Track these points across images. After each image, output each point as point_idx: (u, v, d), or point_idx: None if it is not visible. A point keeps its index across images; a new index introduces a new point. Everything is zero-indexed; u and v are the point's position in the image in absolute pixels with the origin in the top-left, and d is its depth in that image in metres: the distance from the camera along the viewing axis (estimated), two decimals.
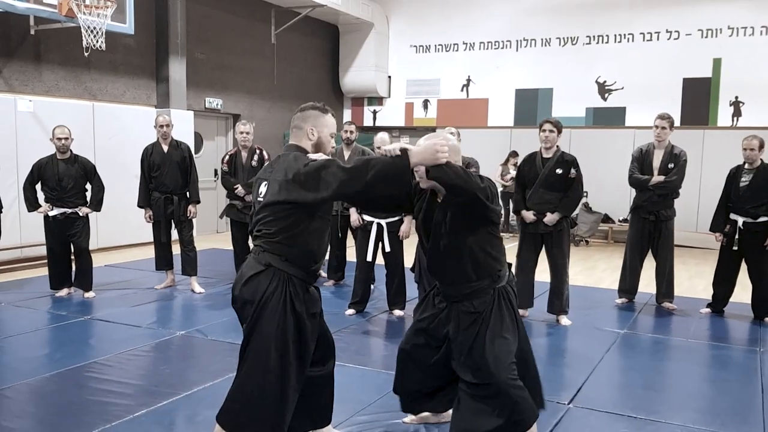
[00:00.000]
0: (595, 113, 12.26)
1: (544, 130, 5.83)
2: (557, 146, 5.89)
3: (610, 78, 12.10)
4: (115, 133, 9.46)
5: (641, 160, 6.52)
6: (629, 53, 11.89)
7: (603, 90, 12.18)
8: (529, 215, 5.88)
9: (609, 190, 11.18)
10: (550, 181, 5.81)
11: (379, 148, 6.12)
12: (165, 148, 6.85)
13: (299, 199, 2.73)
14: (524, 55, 12.77)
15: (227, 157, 7.11)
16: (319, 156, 2.87)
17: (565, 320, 5.92)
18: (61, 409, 3.81)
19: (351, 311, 6.07)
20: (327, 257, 7.56)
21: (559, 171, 5.80)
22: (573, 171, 5.79)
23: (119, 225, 9.27)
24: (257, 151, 7.02)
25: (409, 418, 3.64)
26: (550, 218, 5.78)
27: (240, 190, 6.81)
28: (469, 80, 13.30)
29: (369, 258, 6.02)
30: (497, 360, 3.01)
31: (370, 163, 2.66)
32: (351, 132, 6.88)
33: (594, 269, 9.02)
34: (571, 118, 12.27)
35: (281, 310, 2.77)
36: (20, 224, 7.99)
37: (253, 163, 6.94)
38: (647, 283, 6.83)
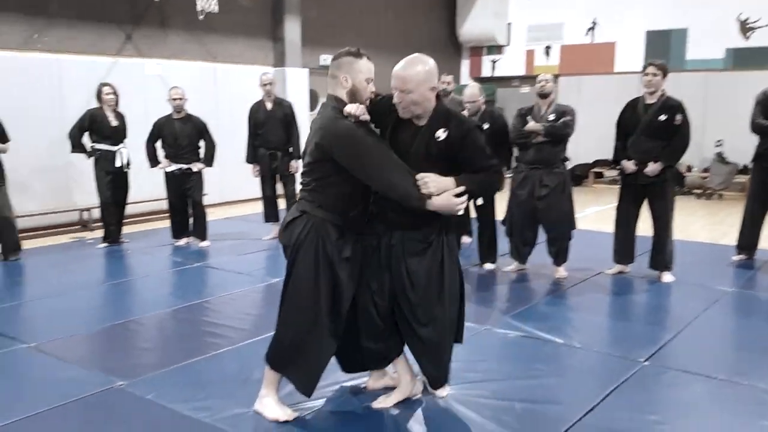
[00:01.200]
0: (735, 54, 11.16)
1: (647, 74, 5.41)
2: (663, 91, 5.47)
3: (753, 14, 10.91)
4: (236, 92, 9.94)
5: (765, 104, 5.91)
6: None
7: (745, 28, 11.03)
8: (629, 165, 5.53)
9: (748, 139, 10.15)
10: (653, 129, 5.42)
11: (467, 104, 5.93)
12: (269, 105, 7.14)
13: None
14: None
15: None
16: (356, 109, 2.88)
17: (667, 277, 5.58)
18: (178, 337, 4.39)
19: None
20: None
21: (662, 117, 5.39)
22: (678, 117, 5.36)
23: (242, 180, 9.82)
24: None
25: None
26: (652, 168, 5.41)
27: None
28: (594, 23, 12.55)
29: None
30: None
31: (393, 182, 2.83)
32: (448, 83, 6.77)
33: (720, 224, 8.36)
34: (709, 61, 11.32)
35: (312, 253, 2.89)
36: (153, 180, 8.70)
37: None
38: None
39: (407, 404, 3.27)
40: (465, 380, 3.51)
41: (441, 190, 2.84)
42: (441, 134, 2.95)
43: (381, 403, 3.26)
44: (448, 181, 2.87)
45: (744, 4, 10.97)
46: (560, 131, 5.43)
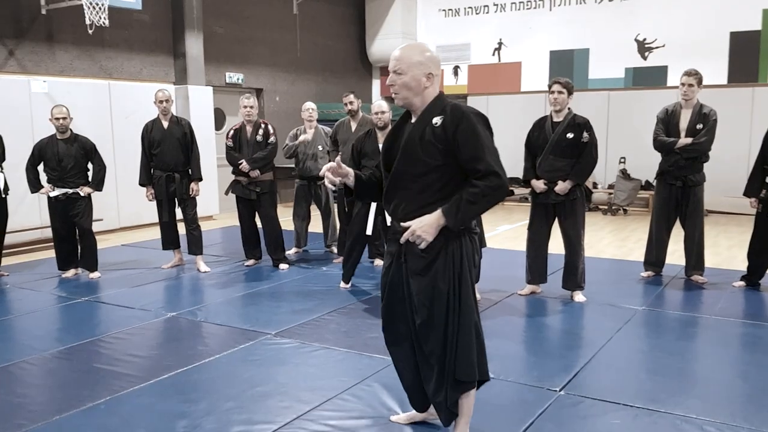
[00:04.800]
0: (635, 73, 11.53)
1: (553, 92, 5.37)
2: (569, 109, 5.44)
3: (650, 35, 11.33)
4: (133, 111, 9.36)
5: (667, 121, 6.00)
6: (670, 8, 11.09)
7: (643, 48, 11.42)
8: (539, 184, 5.46)
9: (650, 155, 10.40)
10: (561, 147, 5.37)
11: (376, 114, 5.83)
12: (165, 124, 6.68)
13: None
14: (558, 15, 12.10)
15: (231, 132, 6.87)
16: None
17: (579, 296, 5.52)
18: (57, 385, 3.87)
19: (344, 285, 5.99)
20: (337, 233, 7.32)
21: (570, 135, 5.34)
22: (586, 134, 5.33)
23: (141, 204, 9.23)
24: (262, 126, 6.77)
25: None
26: (562, 187, 5.36)
27: (244, 165, 6.58)
28: (500, 44, 12.72)
29: (369, 232, 5.75)
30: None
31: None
32: (351, 102, 6.56)
33: (626, 240, 8.49)
34: (610, 80, 11.65)
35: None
36: (39, 206, 8.01)
37: (258, 138, 6.69)
38: (679, 255, 6.32)
39: None
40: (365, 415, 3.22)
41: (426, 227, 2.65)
42: (437, 120, 2.67)
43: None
44: (432, 219, 2.65)
45: (642, 25, 11.36)
46: None
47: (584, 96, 11.18)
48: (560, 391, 3.64)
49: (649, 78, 11.38)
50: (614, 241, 8.47)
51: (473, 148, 2.60)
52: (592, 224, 9.79)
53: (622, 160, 11.09)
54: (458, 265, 2.72)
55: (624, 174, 10.91)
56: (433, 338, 2.78)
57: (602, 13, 11.67)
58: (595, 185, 11.51)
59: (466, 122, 2.63)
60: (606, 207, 11.04)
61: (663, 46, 11.22)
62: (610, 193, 11.10)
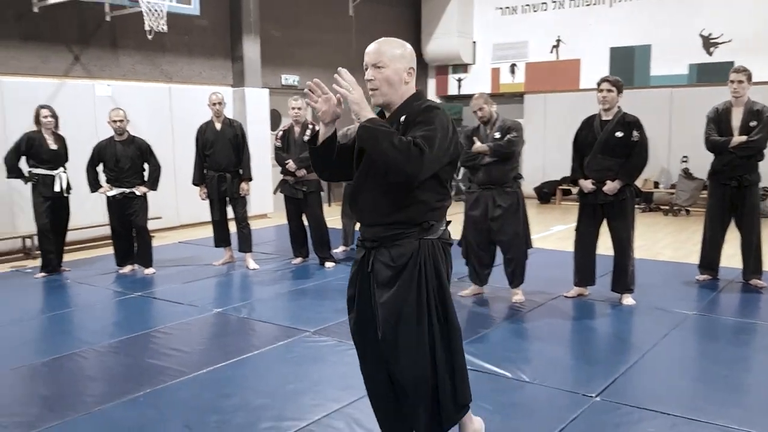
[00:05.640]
0: (699, 70, 11.09)
1: (602, 90, 5.24)
2: (618, 107, 5.29)
3: (715, 30, 10.88)
4: (193, 114, 9.62)
5: (718, 121, 5.76)
6: (737, 1, 10.63)
7: (708, 44, 10.98)
8: (587, 184, 5.34)
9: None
10: (610, 146, 5.23)
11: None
12: (218, 126, 6.86)
13: None
14: (619, 10, 11.77)
15: (280, 132, 6.99)
16: None
17: (628, 300, 5.36)
18: (112, 373, 4.08)
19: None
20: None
21: (619, 134, 5.20)
22: (636, 133, 5.17)
23: (198, 202, 9.49)
24: (310, 126, 6.86)
25: None
26: (610, 186, 5.21)
27: (291, 165, 6.69)
28: (559, 41, 12.47)
29: None
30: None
31: None
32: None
33: (686, 242, 8.18)
34: (673, 76, 11.26)
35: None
36: (99, 205, 8.34)
37: (306, 138, 6.78)
38: (739, 258, 6.04)
39: None
40: None
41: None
42: (403, 117, 2.50)
43: None
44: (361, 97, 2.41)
45: (707, 20, 10.93)
46: (506, 149, 5.22)
47: (645, 93, 10.86)
48: (596, 397, 3.54)
49: (714, 74, 10.88)
50: (673, 242, 8.18)
51: (424, 130, 2.38)
52: (651, 225, 9.49)
53: (685, 159, 10.70)
54: (433, 278, 2.51)
55: (686, 173, 10.52)
56: (403, 361, 2.52)
57: (665, 7, 11.28)
58: (656, 185, 11.15)
59: (428, 114, 2.43)
60: (667, 207, 10.68)
61: (729, 41, 10.76)
62: (672, 193, 10.73)
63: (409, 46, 2.59)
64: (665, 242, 8.22)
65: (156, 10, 7.77)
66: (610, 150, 5.24)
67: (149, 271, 6.73)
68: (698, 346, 4.48)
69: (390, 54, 2.50)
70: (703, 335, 4.67)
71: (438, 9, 13.23)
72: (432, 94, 14.04)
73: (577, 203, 5.61)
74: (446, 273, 2.56)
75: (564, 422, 3.24)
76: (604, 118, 5.31)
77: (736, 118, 5.63)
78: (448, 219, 2.66)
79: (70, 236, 7.12)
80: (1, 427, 3.29)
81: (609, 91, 5.21)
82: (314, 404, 3.50)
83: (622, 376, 3.82)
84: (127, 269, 6.82)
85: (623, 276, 5.37)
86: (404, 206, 2.49)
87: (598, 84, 5.30)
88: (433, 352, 2.53)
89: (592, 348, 4.47)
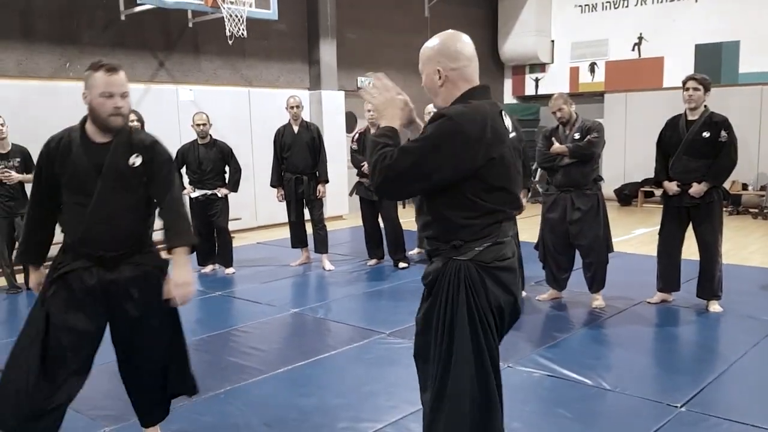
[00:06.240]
0: None
1: (688, 89, 5.05)
2: (705, 106, 5.08)
3: None
4: (271, 117, 9.85)
5: None
6: None
7: None
8: (672, 186, 5.15)
9: None
10: (696, 147, 5.04)
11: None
12: (295, 128, 6.99)
13: None
14: (705, 6, 11.29)
15: (357, 135, 7.07)
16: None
17: (715, 306, 5.14)
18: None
19: None
20: None
21: (706, 134, 4.99)
22: (724, 133, 4.96)
23: (277, 204, 9.72)
24: None
25: None
26: (697, 189, 5.01)
27: (366, 167, 6.75)
28: (641, 38, 12.08)
29: None
30: None
31: None
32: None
33: None
34: (763, 74, 10.72)
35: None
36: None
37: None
38: None
39: None
40: None
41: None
42: (422, 124, 2.35)
43: None
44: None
45: None
46: (586, 151, 5.09)
47: (734, 92, 10.38)
48: (681, 407, 3.41)
49: None
50: (762, 247, 7.78)
51: (412, 141, 2.20)
52: (740, 229, 9.06)
53: None
54: (444, 308, 2.19)
55: None
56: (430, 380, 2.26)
57: (753, 1, 10.74)
58: (745, 187, 10.64)
59: (430, 124, 2.15)
60: (757, 210, 10.17)
61: None
62: (762, 196, 10.21)
63: (438, 39, 2.26)
64: (755, 247, 7.83)
65: (236, 16, 7.99)
66: (696, 151, 5.04)
67: (229, 270, 6.93)
68: None
69: (422, 58, 2.29)
70: None
71: (515, 8, 13.06)
72: (508, 95, 13.87)
73: (660, 206, 5.42)
74: (483, 301, 2.18)
75: None
76: (690, 117, 5.11)
77: None
78: (511, 232, 2.31)
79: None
80: (89, 419, 3.45)
81: (695, 89, 5.01)
82: (390, 406, 3.52)
83: (708, 386, 3.67)
84: (208, 269, 7.04)
85: (710, 282, 5.15)
86: (432, 221, 2.26)
87: (684, 82, 5.11)
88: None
89: (676, 356, 4.31)
